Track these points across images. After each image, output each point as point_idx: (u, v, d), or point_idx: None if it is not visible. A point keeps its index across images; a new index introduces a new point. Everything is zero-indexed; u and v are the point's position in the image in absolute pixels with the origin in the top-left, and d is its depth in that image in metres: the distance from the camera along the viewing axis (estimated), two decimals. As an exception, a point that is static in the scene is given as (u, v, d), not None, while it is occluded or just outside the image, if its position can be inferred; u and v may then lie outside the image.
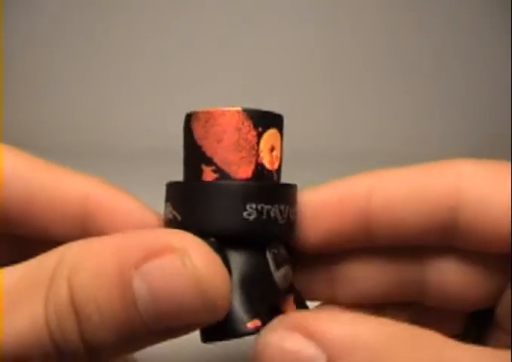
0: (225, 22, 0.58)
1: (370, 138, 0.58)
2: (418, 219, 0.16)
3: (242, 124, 0.16)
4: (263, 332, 0.13)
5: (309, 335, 0.13)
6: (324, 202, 0.17)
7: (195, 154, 0.16)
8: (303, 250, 0.17)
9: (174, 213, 0.16)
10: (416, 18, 0.59)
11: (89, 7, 0.57)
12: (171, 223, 0.16)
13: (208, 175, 0.16)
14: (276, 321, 0.13)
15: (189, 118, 0.16)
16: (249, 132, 0.16)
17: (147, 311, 0.13)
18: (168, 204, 0.16)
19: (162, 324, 0.13)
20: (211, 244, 0.14)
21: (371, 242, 0.17)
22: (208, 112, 0.16)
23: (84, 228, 0.18)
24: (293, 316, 0.13)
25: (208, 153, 0.16)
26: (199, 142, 0.16)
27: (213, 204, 0.15)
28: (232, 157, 0.16)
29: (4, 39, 0.56)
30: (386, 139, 0.58)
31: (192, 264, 0.13)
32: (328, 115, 0.58)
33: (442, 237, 0.17)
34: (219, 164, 0.16)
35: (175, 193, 0.16)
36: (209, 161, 0.16)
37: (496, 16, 0.58)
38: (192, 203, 0.15)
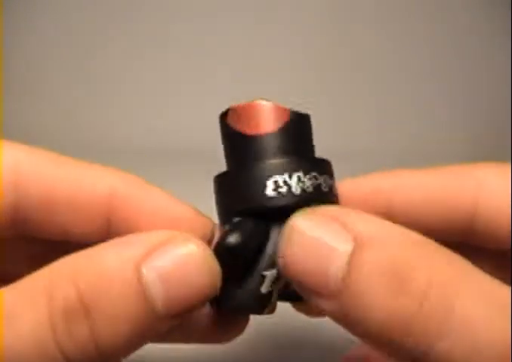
0: (228, 22, 0.58)
1: (370, 138, 0.58)
2: (437, 221, 0.17)
3: None
4: (294, 217, 0.14)
5: (342, 225, 0.13)
6: (351, 194, 0.17)
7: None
8: None
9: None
10: (416, 19, 0.59)
11: (90, 7, 0.57)
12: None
13: None
14: (310, 210, 0.14)
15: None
16: None
17: (159, 297, 0.13)
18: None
19: (174, 308, 0.13)
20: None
21: None
22: None
23: (109, 228, 0.16)
24: (327, 208, 0.14)
25: None
26: None
27: None
28: None
29: (4, 39, 0.56)
30: (386, 139, 0.58)
31: (198, 246, 0.14)
32: (328, 114, 0.58)
33: (461, 237, 0.18)
34: None
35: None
36: None
37: (496, 16, 0.57)
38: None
